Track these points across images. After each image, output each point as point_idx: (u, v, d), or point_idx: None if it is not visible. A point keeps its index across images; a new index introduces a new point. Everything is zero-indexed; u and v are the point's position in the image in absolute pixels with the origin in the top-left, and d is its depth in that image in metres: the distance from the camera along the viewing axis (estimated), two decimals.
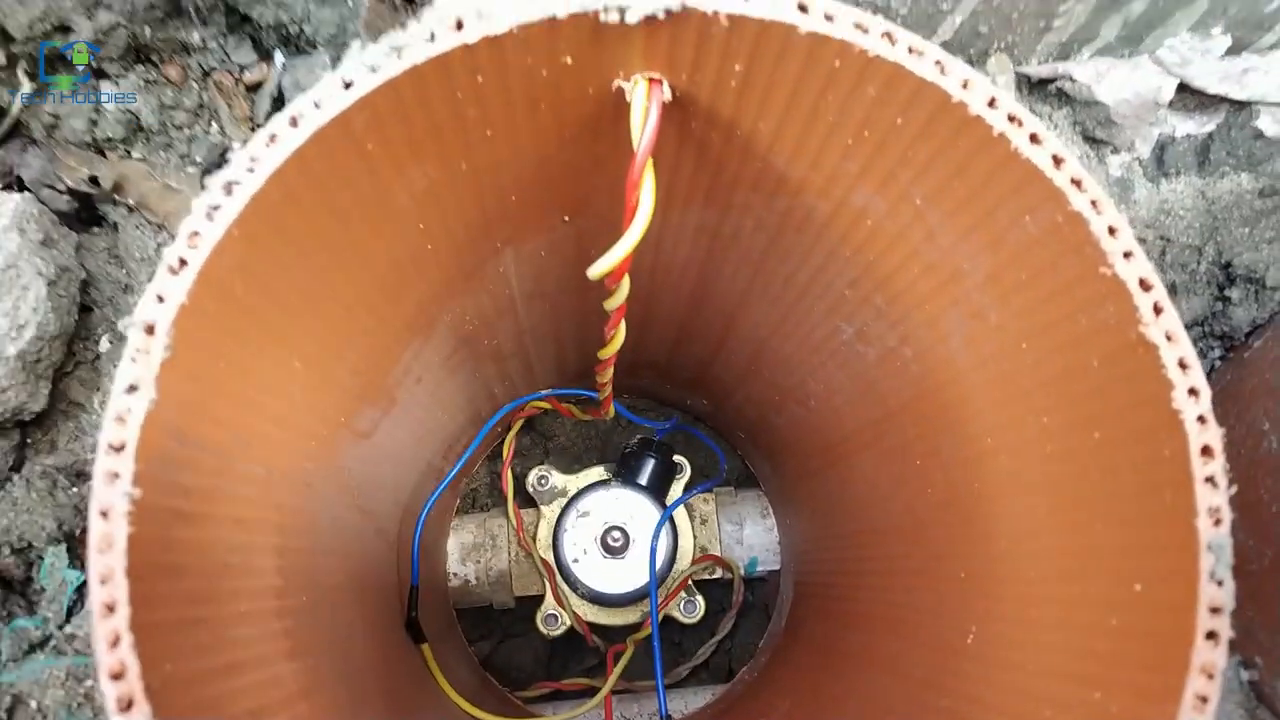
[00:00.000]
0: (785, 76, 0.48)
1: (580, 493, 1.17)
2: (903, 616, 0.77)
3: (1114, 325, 0.44)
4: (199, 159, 0.82)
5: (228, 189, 0.41)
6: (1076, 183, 0.43)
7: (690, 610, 1.23)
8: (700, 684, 1.33)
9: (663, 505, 1.17)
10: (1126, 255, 0.43)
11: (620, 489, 1.16)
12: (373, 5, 0.78)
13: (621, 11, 0.44)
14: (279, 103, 0.83)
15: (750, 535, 1.30)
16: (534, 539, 1.24)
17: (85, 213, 0.82)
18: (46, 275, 0.69)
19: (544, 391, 1.09)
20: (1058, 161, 0.43)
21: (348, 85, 0.42)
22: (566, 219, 0.68)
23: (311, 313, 0.54)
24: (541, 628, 1.21)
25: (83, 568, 0.74)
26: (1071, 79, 0.69)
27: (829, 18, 0.44)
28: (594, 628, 1.22)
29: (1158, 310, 0.42)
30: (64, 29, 0.75)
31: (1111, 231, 0.43)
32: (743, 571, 1.28)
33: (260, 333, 0.49)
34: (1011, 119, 0.44)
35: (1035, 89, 0.73)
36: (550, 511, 1.23)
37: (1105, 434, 0.48)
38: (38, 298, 0.68)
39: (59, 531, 0.73)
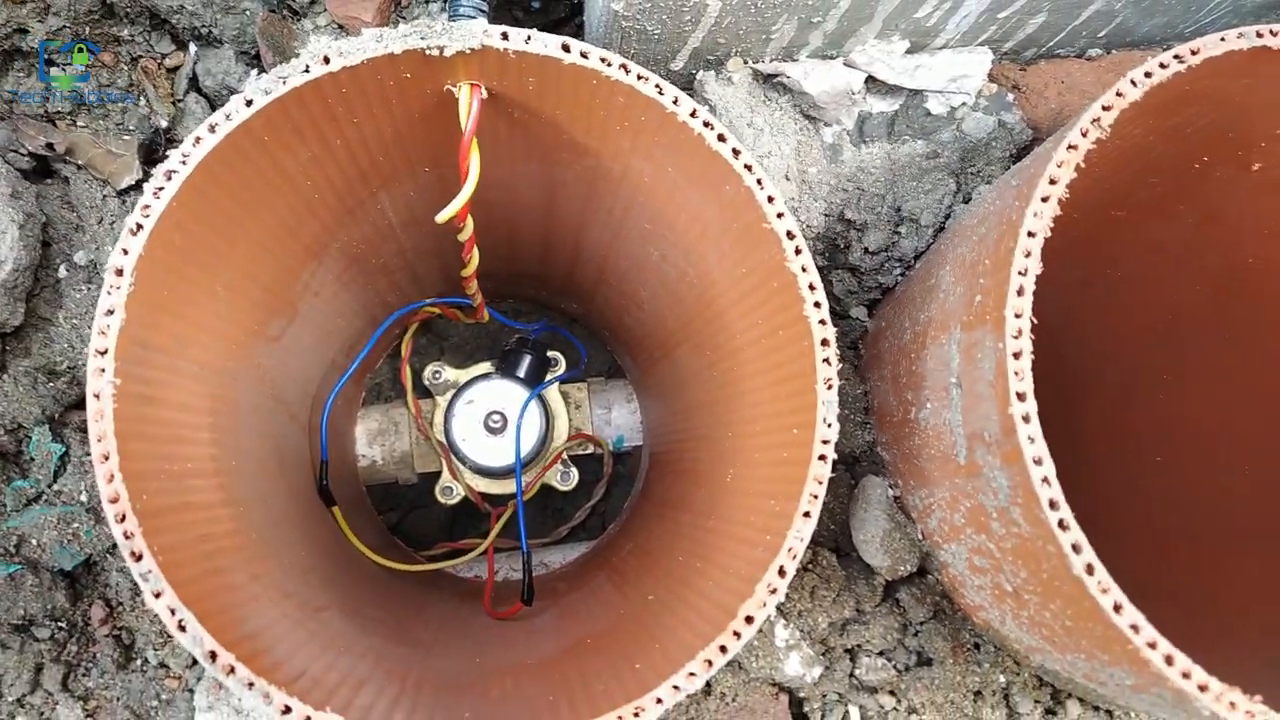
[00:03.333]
0: (565, 88, 0.69)
1: (466, 384, 1.39)
2: (698, 469, 1.02)
3: (776, 260, 0.68)
4: (131, 127, 1.00)
5: (168, 175, 0.61)
6: (748, 167, 0.66)
7: (566, 479, 1.46)
8: (578, 541, 1.58)
9: (538, 392, 1.40)
10: (779, 215, 0.66)
11: (500, 380, 1.38)
12: (265, 15, 0.95)
13: (440, 49, 0.64)
14: (194, 82, 1.02)
15: (618, 417, 1.53)
16: (430, 424, 1.45)
17: (41, 169, 1.00)
18: (17, 220, 0.87)
19: (429, 300, 1.29)
20: (736, 153, 0.66)
21: (249, 103, 0.62)
22: (427, 170, 0.88)
23: (229, 250, 0.74)
24: (440, 498, 1.42)
25: (63, 441, 0.95)
26: (787, 75, 0.91)
27: (584, 55, 0.65)
28: (484, 497, 1.45)
29: (798, 251, 0.66)
30: (22, 30, 0.92)
31: (770, 200, 0.66)
32: (611, 447, 1.52)
33: (193, 269, 0.69)
34: (706, 124, 0.66)
35: (766, 80, 0.95)
36: (444, 401, 1.44)
37: (784, 331, 0.72)
38: (13, 238, 0.86)
39: (43, 415, 0.94)
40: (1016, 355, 0.59)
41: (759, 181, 0.66)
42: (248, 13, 0.97)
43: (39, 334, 0.96)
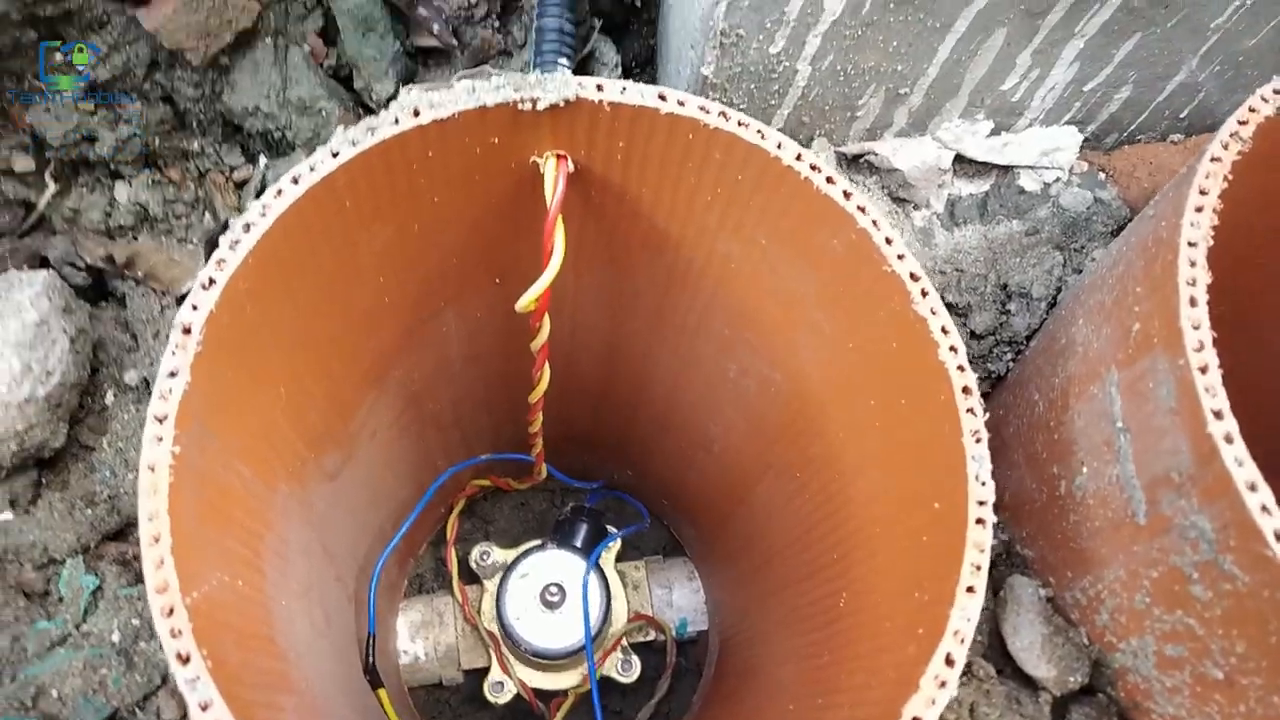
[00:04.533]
0: (655, 149, 0.66)
1: (519, 557, 1.28)
2: (790, 624, 0.90)
3: (899, 310, 0.61)
4: (195, 240, 0.98)
5: (246, 227, 0.57)
6: (861, 209, 0.61)
7: (627, 669, 1.31)
8: None
9: (596, 564, 1.29)
10: (900, 257, 0.60)
11: (556, 550, 1.28)
12: (342, 115, 0.97)
13: (533, 101, 0.62)
14: (263, 193, 1.00)
15: (680, 598, 1.41)
16: (479, 612, 1.33)
17: (96, 289, 0.97)
18: (69, 333, 0.83)
19: (484, 456, 1.22)
20: (847, 195, 0.62)
21: (335, 154, 0.59)
22: (498, 281, 0.84)
23: (296, 344, 0.68)
24: (489, 695, 1.28)
25: (98, 574, 0.84)
26: (875, 154, 0.90)
27: (681, 103, 0.63)
28: (537, 693, 1.30)
29: (924, 293, 0.60)
30: (91, 139, 0.92)
31: (888, 241, 0.61)
32: (674, 632, 1.38)
33: (258, 352, 0.63)
34: (814, 168, 0.62)
35: (851, 163, 0.95)
36: (493, 585, 1.32)
37: (908, 398, 0.64)
38: (63, 350, 0.81)
39: (78, 544, 0.84)
40: (1203, 369, 0.52)
41: (874, 223, 0.61)
42: (324, 113, 0.98)
43: (80, 463, 0.88)
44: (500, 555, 1.33)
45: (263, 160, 1.01)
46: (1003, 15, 0.85)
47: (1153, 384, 0.57)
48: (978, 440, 0.57)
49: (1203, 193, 0.57)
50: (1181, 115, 1.05)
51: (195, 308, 0.55)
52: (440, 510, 1.43)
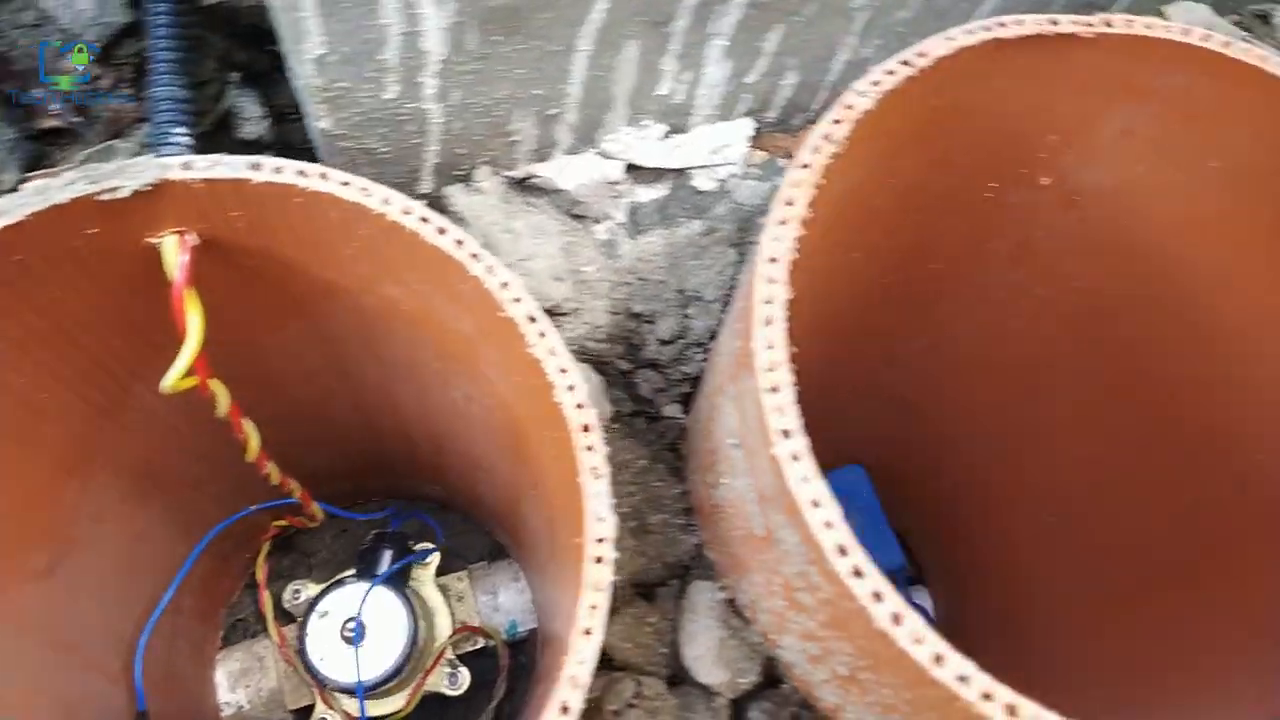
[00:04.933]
0: (271, 213, 0.64)
1: (319, 595, 1.26)
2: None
3: (520, 352, 0.61)
4: None
5: None
6: (474, 256, 0.60)
7: (454, 682, 1.31)
8: None
9: (402, 591, 1.27)
10: (516, 300, 0.60)
11: (356, 583, 1.26)
12: None
13: (113, 189, 0.58)
14: None
15: (505, 601, 1.40)
16: (297, 652, 1.30)
17: None
18: None
19: (250, 508, 1.19)
20: (459, 243, 0.61)
21: None
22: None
23: None
24: None
25: None
26: (538, 175, 0.90)
27: (278, 169, 0.60)
28: None
29: (542, 335, 0.60)
30: None
31: (504, 285, 0.60)
32: (504, 635, 1.38)
33: None
34: (423, 219, 0.61)
35: (522, 186, 0.94)
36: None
37: (556, 432, 0.65)
38: None
39: None
40: (775, 390, 0.53)
41: (489, 269, 0.60)
42: None
43: None
44: (313, 590, 1.31)
45: None
46: (624, 30, 0.85)
47: (748, 403, 0.58)
48: (596, 477, 0.58)
49: (789, 203, 0.58)
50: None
51: None
52: (245, 555, 1.40)
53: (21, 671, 0.79)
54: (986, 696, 0.46)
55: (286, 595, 1.31)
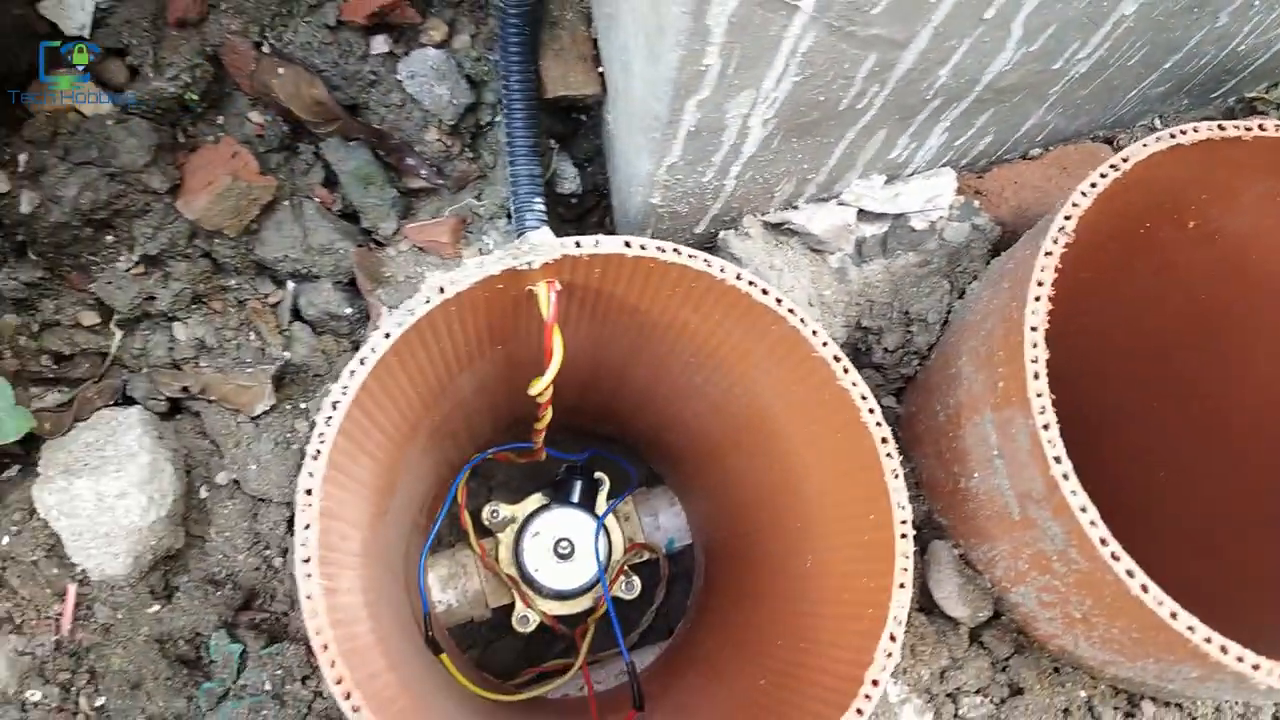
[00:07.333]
0: (624, 271, 0.84)
1: (528, 518, 1.50)
2: (770, 560, 1.15)
3: (826, 379, 0.82)
4: (249, 359, 1.15)
5: (333, 405, 0.74)
6: (791, 311, 0.81)
7: (630, 588, 1.56)
8: (648, 644, 1.67)
9: (593, 513, 1.51)
10: (824, 344, 0.81)
11: (559, 508, 1.50)
12: (358, 251, 1.12)
13: (529, 264, 0.79)
14: (296, 313, 1.24)
15: (665, 521, 1.64)
16: (497, 559, 1.55)
17: (173, 408, 1.14)
18: (169, 458, 1.00)
19: (493, 449, 1.42)
20: (779, 301, 0.81)
21: (387, 335, 0.76)
22: (500, 348, 1.02)
23: (365, 454, 0.87)
24: (517, 627, 1.51)
25: (240, 641, 1.06)
26: (793, 222, 1.09)
27: (643, 247, 0.80)
28: (559, 619, 1.54)
29: (846, 370, 0.80)
30: (150, 298, 1.09)
31: (815, 334, 0.81)
32: (664, 551, 1.63)
33: (348, 476, 0.82)
34: (751, 283, 0.81)
35: (776, 228, 1.14)
36: (505, 536, 1.54)
37: (842, 434, 0.86)
38: (169, 475, 0.99)
39: (219, 621, 1.05)
40: (1046, 427, 0.74)
41: (802, 320, 0.80)
42: (340, 251, 1.14)
43: (193, 550, 1.08)
44: (508, 511, 1.54)
45: (290, 285, 1.17)
46: (881, 124, 1.04)
47: (1014, 430, 0.79)
48: (896, 476, 0.79)
49: (1039, 284, 0.78)
50: (1037, 139, 1.25)
51: (311, 475, 0.74)
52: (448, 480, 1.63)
53: (383, 587, 1.04)
54: (1208, 640, 0.70)
55: (485, 514, 1.54)
